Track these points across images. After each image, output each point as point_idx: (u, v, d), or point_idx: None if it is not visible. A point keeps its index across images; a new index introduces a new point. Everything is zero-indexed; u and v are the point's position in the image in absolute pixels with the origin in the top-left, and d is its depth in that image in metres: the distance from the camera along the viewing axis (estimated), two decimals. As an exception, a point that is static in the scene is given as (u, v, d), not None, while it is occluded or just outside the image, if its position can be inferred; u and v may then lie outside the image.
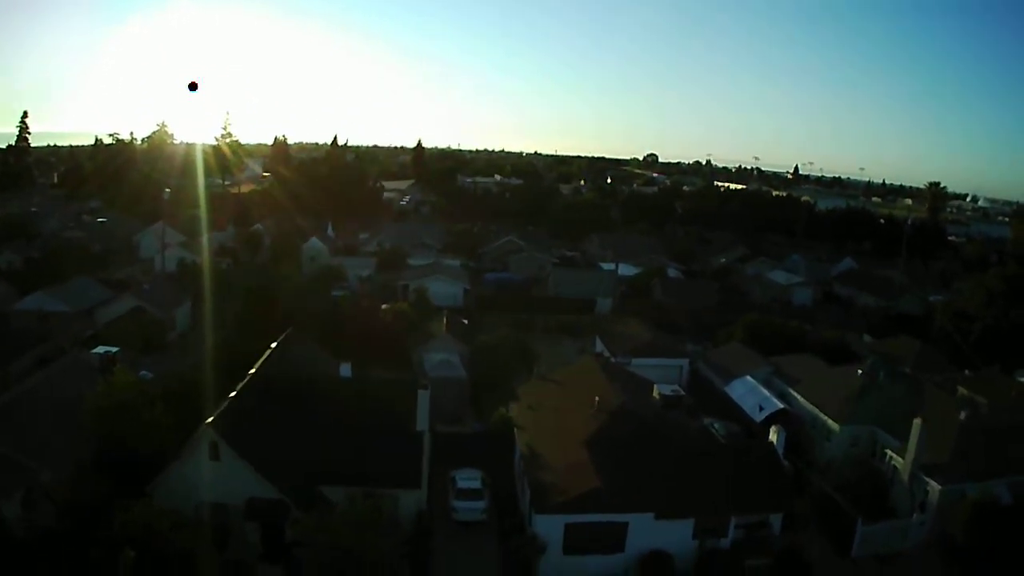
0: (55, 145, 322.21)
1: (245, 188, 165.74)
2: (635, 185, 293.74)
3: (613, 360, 56.95)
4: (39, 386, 41.60)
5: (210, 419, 34.72)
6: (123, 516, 30.18)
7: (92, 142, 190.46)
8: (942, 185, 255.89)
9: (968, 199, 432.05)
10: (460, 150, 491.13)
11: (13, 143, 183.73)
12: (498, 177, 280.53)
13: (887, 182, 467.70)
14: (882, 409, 49.03)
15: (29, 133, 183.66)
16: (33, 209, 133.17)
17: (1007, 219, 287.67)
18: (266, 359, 44.94)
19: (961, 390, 58.15)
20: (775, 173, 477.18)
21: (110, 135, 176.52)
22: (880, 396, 50.47)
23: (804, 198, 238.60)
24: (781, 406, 52.74)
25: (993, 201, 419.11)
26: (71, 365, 46.64)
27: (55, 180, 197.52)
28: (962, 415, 45.11)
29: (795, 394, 54.79)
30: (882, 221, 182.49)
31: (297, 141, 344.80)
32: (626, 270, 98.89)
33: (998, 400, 53.46)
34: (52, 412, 39.01)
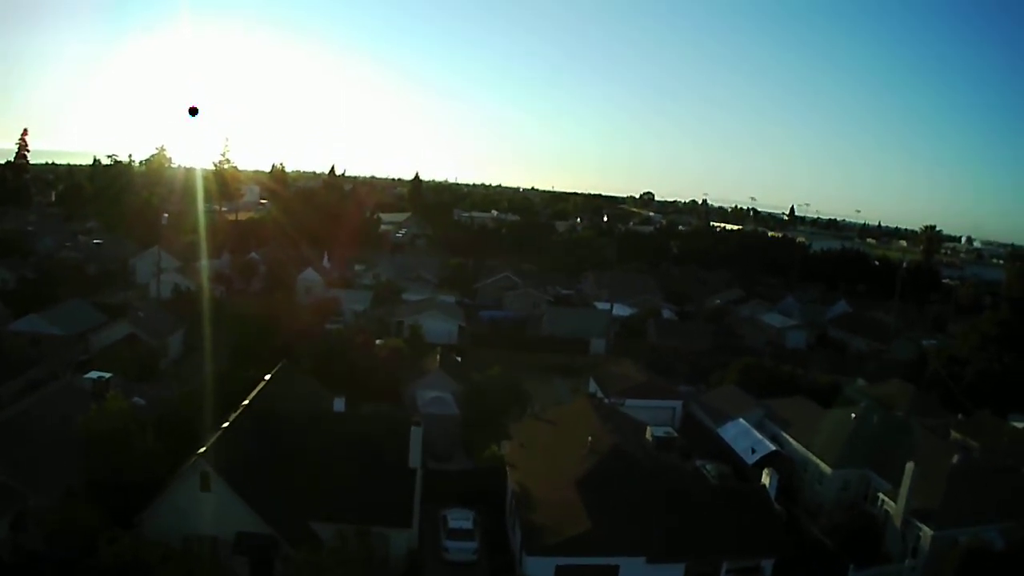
0: (53, 163, 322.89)
1: (242, 215, 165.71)
2: (631, 223, 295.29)
3: (606, 401, 56.92)
4: (31, 410, 41.22)
5: (202, 449, 34.57)
6: (112, 548, 29.85)
7: (91, 162, 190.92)
8: (937, 227, 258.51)
9: (963, 240, 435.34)
10: (457, 184, 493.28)
11: (12, 159, 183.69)
12: (495, 212, 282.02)
13: (882, 224, 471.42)
14: (875, 452, 49.11)
15: (28, 150, 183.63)
16: (29, 228, 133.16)
17: (1001, 261, 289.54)
18: (260, 391, 44.81)
19: (954, 434, 58.37)
20: (771, 214, 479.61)
21: (108, 156, 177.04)
22: (873, 439, 50.51)
23: (799, 239, 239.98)
24: (773, 448, 52.72)
25: (988, 243, 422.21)
26: (64, 390, 46.31)
27: (52, 198, 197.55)
28: (955, 459, 45.14)
29: (787, 437, 54.85)
30: (876, 263, 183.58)
31: (295, 169, 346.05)
32: (621, 310, 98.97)
33: (990, 444, 53.68)
34: (43, 436, 38.65)
